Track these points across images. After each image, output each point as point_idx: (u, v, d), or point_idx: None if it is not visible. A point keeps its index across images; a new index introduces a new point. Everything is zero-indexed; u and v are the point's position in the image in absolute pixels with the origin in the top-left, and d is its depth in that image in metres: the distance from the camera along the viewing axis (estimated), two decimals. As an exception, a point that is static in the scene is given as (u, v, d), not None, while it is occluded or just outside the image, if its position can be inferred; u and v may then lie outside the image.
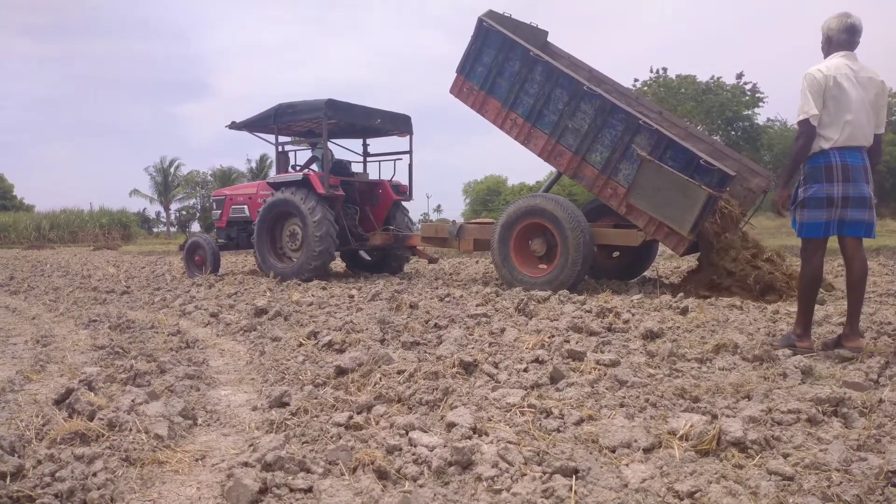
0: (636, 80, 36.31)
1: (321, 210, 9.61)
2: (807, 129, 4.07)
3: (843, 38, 4.16)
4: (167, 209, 52.24)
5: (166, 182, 50.63)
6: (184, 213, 53.66)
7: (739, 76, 34.58)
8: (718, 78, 34.52)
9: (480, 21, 8.53)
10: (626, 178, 7.46)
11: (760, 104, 34.86)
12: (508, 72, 8.34)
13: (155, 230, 52.87)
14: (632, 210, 7.49)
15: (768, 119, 38.98)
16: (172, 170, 50.81)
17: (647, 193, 7.27)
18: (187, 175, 52.63)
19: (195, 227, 50.78)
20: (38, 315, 6.98)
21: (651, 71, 35.97)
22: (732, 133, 35.10)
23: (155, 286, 9.63)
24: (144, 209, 52.63)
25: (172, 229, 51.27)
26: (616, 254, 9.25)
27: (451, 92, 9.04)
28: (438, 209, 70.08)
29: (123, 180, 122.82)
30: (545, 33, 9.76)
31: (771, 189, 8.61)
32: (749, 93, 34.48)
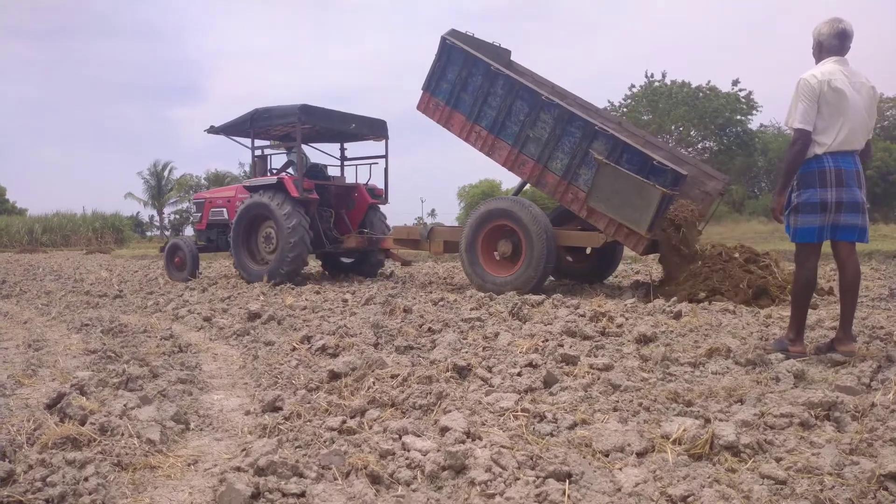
0: (632, 86, 36.45)
1: (294, 213, 9.74)
2: (803, 136, 4.07)
3: (834, 43, 4.18)
4: (161, 213, 52.11)
5: (160, 186, 50.51)
6: (177, 216, 53.53)
7: (735, 83, 34.71)
8: (713, 85, 34.65)
9: (444, 40, 8.79)
10: (586, 182, 7.76)
11: (755, 112, 35.00)
12: (472, 87, 8.63)
13: (148, 234, 52.70)
14: (592, 213, 7.77)
15: (761, 125, 39.16)
16: (166, 173, 50.72)
17: (605, 196, 7.56)
18: (180, 178, 52.53)
19: (188, 230, 50.65)
20: (30, 319, 6.94)
21: (646, 76, 36.11)
22: (725, 139, 35.23)
23: (148, 290, 9.60)
24: (138, 213, 52.51)
25: (166, 233, 51.12)
26: (589, 250, 9.52)
27: (419, 108, 9.30)
28: (433, 213, 70.12)
29: (117, 184, 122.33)
30: (508, 52, 10.06)
31: (727, 192, 8.88)
32: (744, 100, 34.59)
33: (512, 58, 10.08)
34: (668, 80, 35.35)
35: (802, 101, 4.06)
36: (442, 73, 8.88)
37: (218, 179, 49.02)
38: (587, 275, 9.58)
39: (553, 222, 8.32)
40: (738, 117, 34.74)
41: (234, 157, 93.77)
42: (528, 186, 9.43)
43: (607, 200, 7.53)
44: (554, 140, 7.98)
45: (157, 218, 53.15)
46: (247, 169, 47.98)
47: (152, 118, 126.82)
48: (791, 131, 4.19)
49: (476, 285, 8.36)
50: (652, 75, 35.91)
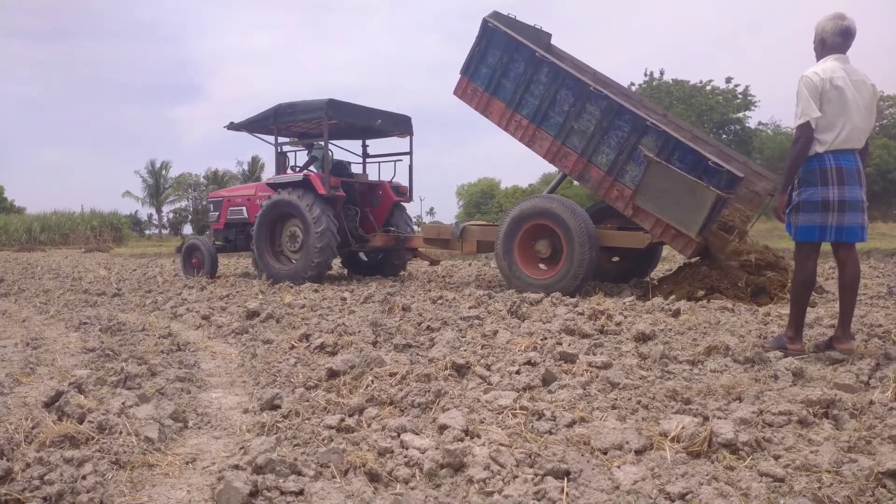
0: (632, 84, 36.47)
1: (322, 211, 9.52)
2: (806, 133, 4.05)
3: (837, 41, 4.15)
4: (159, 211, 52.08)
5: (158, 184, 50.46)
6: (175, 215, 53.49)
7: (728, 80, 34.76)
8: (709, 81, 34.68)
9: (485, 22, 8.48)
10: (633, 179, 7.44)
11: (752, 107, 35.02)
12: (513, 73, 8.30)
13: (147, 232, 52.67)
14: (638, 212, 7.46)
15: (760, 123, 39.19)
16: (164, 172, 50.68)
17: (653, 195, 7.23)
18: (179, 177, 52.49)
19: (188, 229, 50.62)
20: (29, 317, 6.93)
21: (645, 74, 36.14)
22: (724, 136, 35.26)
23: (146, 288, 9.58)
24: (136, 211, 52.48)
25: (165, 231, 51.10)
26: (615, 259, 9.22)
27: (455, 94, 8.97)
28: (431, 212, 70.15)
29: (115, 182, 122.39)
30: (549, 35, 9.74)
31: (775, 192, 8.67)
32: (741, 95, 34.63)
33: (552, 42, 9.76)
34: (666, 79, 35.39)
35: (804, 98, 4.04)
36: (482, 58, 8.55)
37: (217, 178, 49.01)
38: (624, 275, 9.21)
39: (591, 218, 7.97)
40: (737, 115, 34.73)
41: (233, 155, 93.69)
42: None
43: (656, 200, 7.21)
44: (600, 133, 7.67)
45: (155, 216, 53.12)
46: (245, 168, 48.02)
47: (151, 117, 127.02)
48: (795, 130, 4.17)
49: (512, 287, 8.04)
50: (651, 73, 35.97)
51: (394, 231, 10.83)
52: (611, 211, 8.07)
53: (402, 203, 11.25)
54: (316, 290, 8.66)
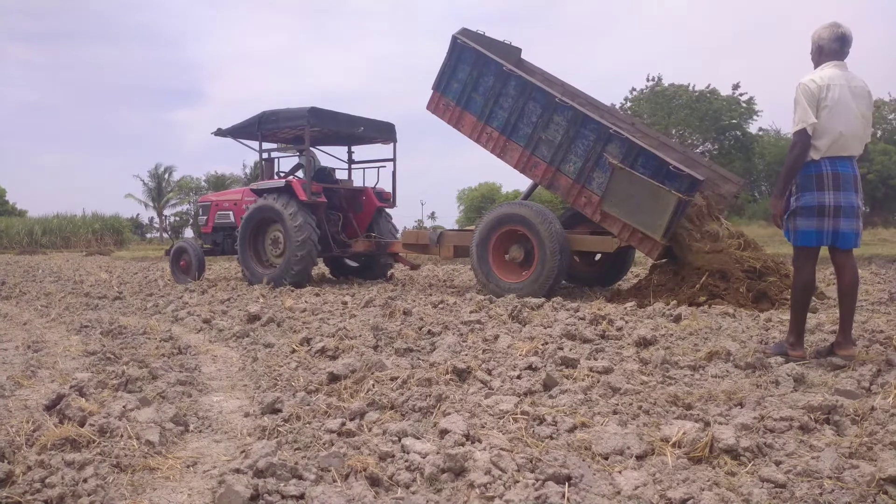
0: (633, 90, 36.54)
1: (302, 216, 9.69)
2: (803, 139, 4.07)
3: (834, 47, 4.19)
4: (160, 215, 52.11)
5: (160, 188, 50.54)
6: (177, 218, 53.52)
7: (735, 87, 34.73)
8: (714, 88, 34.68)
9: (455, 39, 8.71)
10: (600, 186, 7.67)
11: (756, 116, 35.03)
12: (483, 87, 8.54)
13: (148, 236, 52.69)
14: (606, 217, 7.69)
15: (760, 129, 39.18)
16: (166, 176, 50.76)
17: (619, 200, 7.47)
18: (180, 181, 52.55)
19: (188, 233, 50.61)
20: (30, 320, 6.94)
21: (647, 79, 36.23)
22: (726, 142, 35.26)
23: (147, 292, 9.59)
24: (137, 215, 52.49)
25: (166, 235, 51.12)
26: (599, 257, 9.45)
27: (428, 108, 9.21)
28: (433, 216, 70.13)
29: (117, 186, 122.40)
30: (519, 50, 9.96)
31: (741, 195, 8.84)
32: (745, 105, 34.62)
33: (522, 56, 9.96)
34: (665, 84, 35.44)
35: (802, 105, 4.06)
36: (452, 73, 8.79)
37: (219, 182, 49.03)
38: (596, 279, 9.49)
39: (564, 224, 8.19)
40: (742, 122, 34.72)
41: (236, 159, 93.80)
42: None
43: (622, 205, 7.44)
44: (567, 142, 7.89)
45: (156, 220, 53.17)
46: (248, 171, 48.02)
47: (153, 121, 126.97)
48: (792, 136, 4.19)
49: (487, 291, 8.24)
50: (653, 78, 36.07)
51: (375, 236, 10.98)
52: (583, 216, 8.26)
53: (386, 208, 11.43)
54: (317, 294, 8.68)
